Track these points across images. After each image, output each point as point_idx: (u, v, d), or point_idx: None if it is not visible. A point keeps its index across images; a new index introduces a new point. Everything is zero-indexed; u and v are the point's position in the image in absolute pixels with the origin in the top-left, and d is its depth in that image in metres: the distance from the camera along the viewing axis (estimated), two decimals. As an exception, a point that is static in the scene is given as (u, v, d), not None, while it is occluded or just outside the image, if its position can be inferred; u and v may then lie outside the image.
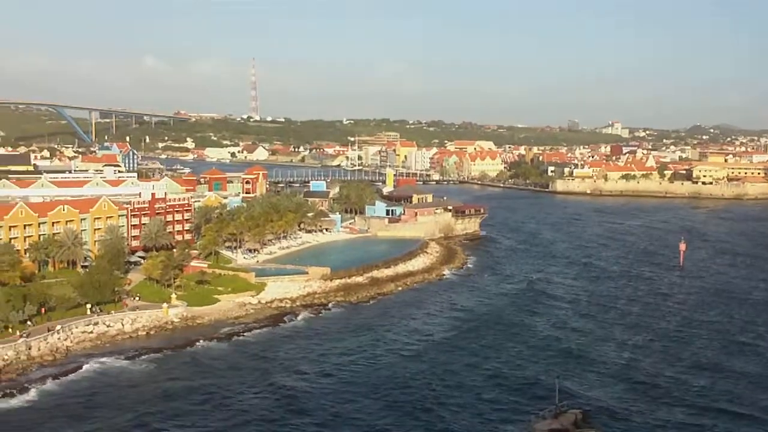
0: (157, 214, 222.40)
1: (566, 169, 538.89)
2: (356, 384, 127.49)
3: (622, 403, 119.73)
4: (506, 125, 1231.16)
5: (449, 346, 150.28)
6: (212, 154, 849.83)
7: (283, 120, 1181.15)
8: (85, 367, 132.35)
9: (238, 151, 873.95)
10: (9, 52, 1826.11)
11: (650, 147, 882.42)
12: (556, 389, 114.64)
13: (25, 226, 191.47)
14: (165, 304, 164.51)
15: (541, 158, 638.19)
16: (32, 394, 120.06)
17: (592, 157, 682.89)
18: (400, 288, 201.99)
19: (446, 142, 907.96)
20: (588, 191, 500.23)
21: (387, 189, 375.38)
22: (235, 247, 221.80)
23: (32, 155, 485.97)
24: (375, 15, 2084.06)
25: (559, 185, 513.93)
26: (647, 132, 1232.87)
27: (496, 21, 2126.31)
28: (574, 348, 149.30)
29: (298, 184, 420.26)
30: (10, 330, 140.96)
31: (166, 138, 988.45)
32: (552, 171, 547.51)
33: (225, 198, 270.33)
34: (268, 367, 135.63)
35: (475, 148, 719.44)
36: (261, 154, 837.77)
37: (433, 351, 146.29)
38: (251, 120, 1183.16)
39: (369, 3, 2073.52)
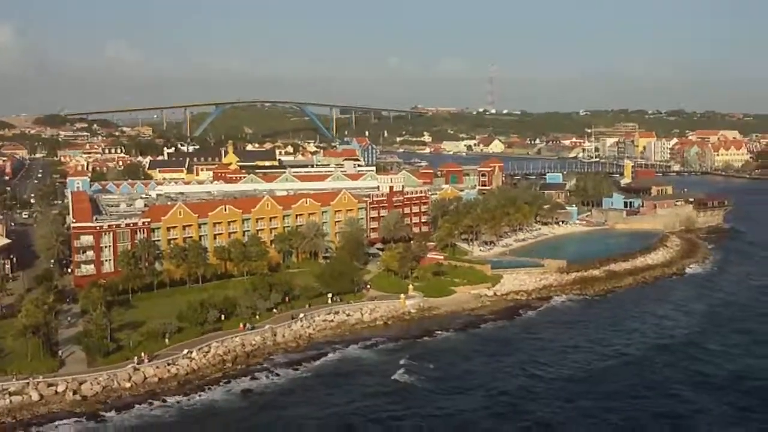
0: (395, 206, 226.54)
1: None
2: (576, 385, 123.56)
3: None
4: (753, 113, 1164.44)
5: (688, 347, 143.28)
6: (449, 147, 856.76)
7: (519, 112, 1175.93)
8: (326, 354, 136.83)
9: (475, 144, 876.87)
10: (261, 57, 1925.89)
11: None
12: None
13: (270, 218, 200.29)
14: (402, 295, 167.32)
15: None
16: (277, 377, 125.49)
17: None
18: (638, 282, 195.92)
19: (687, 131, 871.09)
20: None
21: (625, 181, 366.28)
22: (471, 239, 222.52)
23: (277, 151, 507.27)
24: (611, 5, 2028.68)
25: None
26: None
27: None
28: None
29: (534, 177, 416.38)
30: (258, 317, 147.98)
31: (404, 132, 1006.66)
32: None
33: (461, 191, 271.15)
34: (502, 360, 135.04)
35: (718, 138, 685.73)
36: (497, 146, 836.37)
37: (669, 352, 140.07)
38: (487, 113, 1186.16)
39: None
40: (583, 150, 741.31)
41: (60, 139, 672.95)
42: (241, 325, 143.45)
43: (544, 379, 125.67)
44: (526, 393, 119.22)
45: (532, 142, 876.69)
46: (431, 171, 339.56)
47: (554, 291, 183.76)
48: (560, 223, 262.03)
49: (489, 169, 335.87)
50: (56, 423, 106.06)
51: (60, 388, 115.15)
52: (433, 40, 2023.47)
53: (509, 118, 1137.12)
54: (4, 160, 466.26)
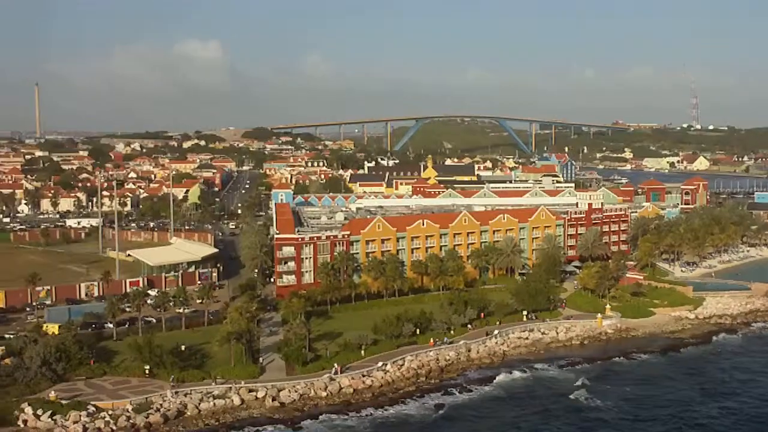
0: (594, 224, 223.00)
1: None
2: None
3: None
4: None
5: None
6: (650, 164, 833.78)
7: (726, 128, 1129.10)
8: (519, 372, 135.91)
9: (678, 161, 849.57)
10: (458, 71, 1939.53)
11: None
12: None
13: (468, 233, 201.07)
14: (599, 315, 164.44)
15: None
16: (471, 393, 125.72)
17: None
18: None
19: None
20: None
21: None
22: (673, 260, 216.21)
23: (476, 166, 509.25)
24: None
25: None
26: None
27: None
28: None
29: (741, 196, 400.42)
30: (452, 332, 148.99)
31: (604, 148, 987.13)
32: None
33: (663, 209, 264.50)
34: (698, 388, 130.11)
35: None
36: (701, 163, 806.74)
37: None
38: (691, 129, 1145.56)
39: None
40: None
41: (266, 152, 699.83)
42: (432, 341, 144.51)
43: (740, 413, 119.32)
44: (716, 425, 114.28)
45: (740, 159, 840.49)
46: (631, 188, 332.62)
47: (762, 316, 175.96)
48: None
49: (693, 187, 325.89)
50: (257, 428, 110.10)
51: (260, 394, 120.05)
52: (631, 49, 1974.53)
53: (715, 134, 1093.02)
54: (214, 173, 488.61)
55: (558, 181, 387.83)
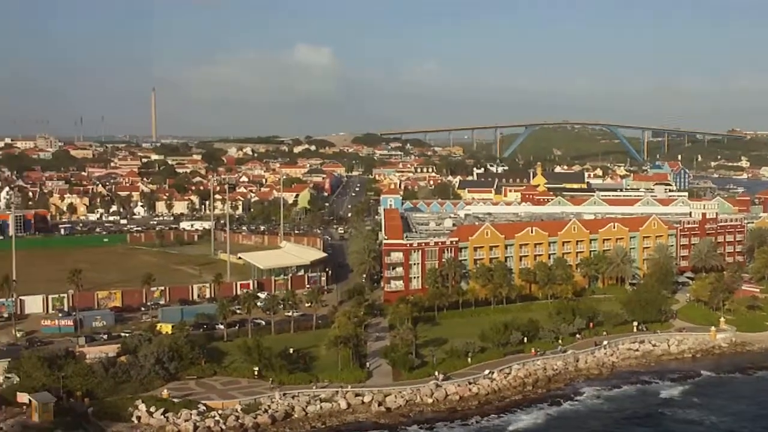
0: (708, 234, 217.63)
1: None
2: None
3: None
4: None
5: None
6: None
7: None
8: (628, 384, 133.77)
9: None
10: (567, 77, 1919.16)
11: None
12: None
13: (577, 242, 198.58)
14: (713, 328, 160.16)
15: None
16: (577, 404, 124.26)
17: None
18: None
19: None
20: None
21: None
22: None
23: (586, 173, 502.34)
24: None
25: None
26: None
27: None
28: None
29: None
30: (560, 341, 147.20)
31: (719, 156, 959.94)
32: None
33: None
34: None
35: None
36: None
37: None
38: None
39: None
40: None
41: (375, 158, 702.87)
42: (534, 351, 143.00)
43: None
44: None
45: None
46: (748, 198, 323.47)
47: None
48: None
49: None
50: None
51: (366, 399, 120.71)
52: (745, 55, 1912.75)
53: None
54: (323, 178, 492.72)
55: (670, 190, 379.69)
